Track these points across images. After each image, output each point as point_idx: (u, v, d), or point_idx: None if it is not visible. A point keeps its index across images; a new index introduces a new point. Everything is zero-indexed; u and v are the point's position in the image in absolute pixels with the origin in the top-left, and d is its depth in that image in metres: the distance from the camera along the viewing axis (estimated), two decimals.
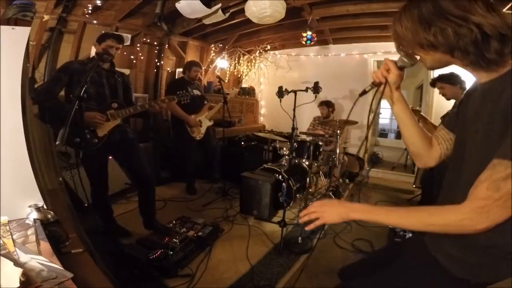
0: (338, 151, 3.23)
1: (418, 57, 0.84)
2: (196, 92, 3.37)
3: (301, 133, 3.47)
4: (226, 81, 5.03)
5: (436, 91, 2.78)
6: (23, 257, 0.75)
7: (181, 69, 4.31)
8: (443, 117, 2.54)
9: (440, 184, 0.95)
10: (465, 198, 0.68)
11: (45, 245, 0.83)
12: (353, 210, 0.84)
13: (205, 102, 3.46)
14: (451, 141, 0.95)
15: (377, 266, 1.06)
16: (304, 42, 3.79)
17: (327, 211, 0.87)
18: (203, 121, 3.39)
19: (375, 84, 0.98)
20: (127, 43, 3.54)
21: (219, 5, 2.95)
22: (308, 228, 0.92)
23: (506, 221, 0.64)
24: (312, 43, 3.81)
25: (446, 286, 0.84)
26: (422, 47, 0.75)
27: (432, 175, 2.80)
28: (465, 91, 0.99)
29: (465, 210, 0.65)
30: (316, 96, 2.60)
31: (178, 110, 3.17)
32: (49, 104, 1.96)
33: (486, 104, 0.72)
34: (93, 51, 2.21)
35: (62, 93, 2.03)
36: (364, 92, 1.01)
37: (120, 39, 2.14)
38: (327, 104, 4.01)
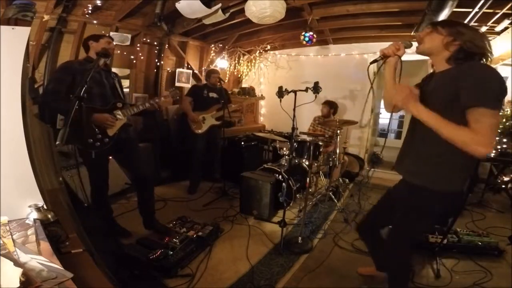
0: (338, 151, 3.22)
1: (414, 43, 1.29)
2: (212, 94, 3.60)
3: (301, 133, 3.47)
4: (226, 81, 5.03)
5: None
6: (23, 257, 0.75)
7: (181, 69, 4.43)
8: None
9: None
10: (418, 150, 1.28)
11: (45, 245, 0.83)
12: (413, 106, 1.14)
13: (217, 104, 3.55)
14: None
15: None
16: (305, 42, 3.79)
17: (399, 94, 1.17)
18: (207, 119, 3.51)
19: (384, 56, 1.30)
20: (127, 43, 3.58)
21: (219, 5, 2.95)
22: None
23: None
24: (311, 42, 3.80)
25: (412, 193, 1.31)
26: (436, 30, 1.21)
27: None
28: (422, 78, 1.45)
29: (475, 137, 1.01)
30: (316, 96, 2.60)
31: (185, 106, 3.50)
32: (57, 105, 1.94)
33: (441, 84, 1.18)
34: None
35: None
36: (375, 61, 1.33)
37: (112, 38, 2.23)
38: (330, 104, 3.99)
